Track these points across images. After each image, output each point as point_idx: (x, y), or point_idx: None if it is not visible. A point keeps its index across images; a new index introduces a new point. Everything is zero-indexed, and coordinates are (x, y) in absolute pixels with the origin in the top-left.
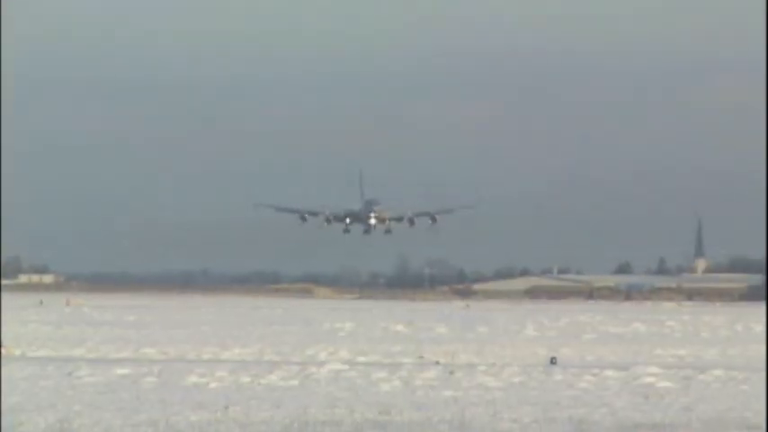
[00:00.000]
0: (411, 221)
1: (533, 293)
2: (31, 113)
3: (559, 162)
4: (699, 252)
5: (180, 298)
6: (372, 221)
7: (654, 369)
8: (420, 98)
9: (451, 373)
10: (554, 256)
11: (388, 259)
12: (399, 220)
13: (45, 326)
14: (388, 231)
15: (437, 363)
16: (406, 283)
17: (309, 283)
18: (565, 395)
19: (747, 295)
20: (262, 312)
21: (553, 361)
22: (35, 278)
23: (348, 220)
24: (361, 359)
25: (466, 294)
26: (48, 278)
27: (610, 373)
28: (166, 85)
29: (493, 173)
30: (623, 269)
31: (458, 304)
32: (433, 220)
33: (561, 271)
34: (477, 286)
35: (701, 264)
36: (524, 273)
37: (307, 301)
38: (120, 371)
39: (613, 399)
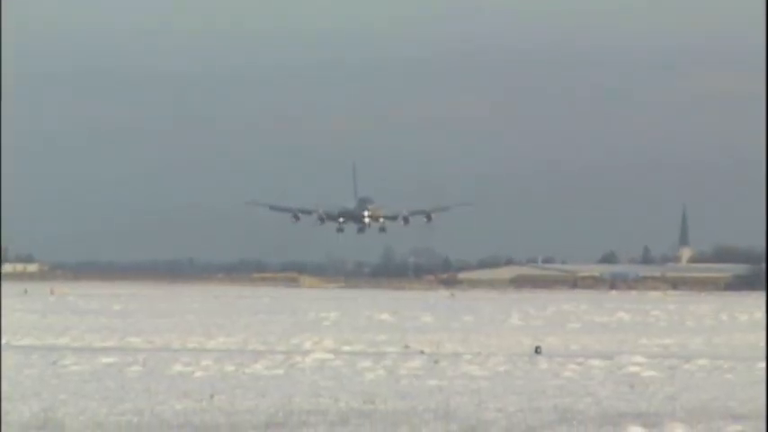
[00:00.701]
0: (406, 220)
1: (518, 283)
2: (17, 104)
3: (544, 152)
4: (683, 241)
5: (165, 287)
6: (366, 220)
7: (639, 358)
8: (407, 91)
9: (436, 362)
10: (539, 246)
11: (374, 248)
12: (394, 218)
13: (30, 314)
14: (382, 230)
15: (422, 352)
16: (391, 272)
17: (295, 272)
18: (550, 384)
19: (732, 285)
20: (247, 301)
21: (538, 350)
22: (20, 267)
23: (342, 219)
24: (346, 348)
25: (451, 283)
26: (32, 267)
27: (595, 362)
28: (153, 77)
29: (478, 163)
30: (608, 258)
31: (443, 293)
32: (429, 218)
33: (546, 260)
34: (462, 275)
35: (685, 253)
36: (509, 262)
37: (292, 290)
38: (106, 360)
39: (598, 388)
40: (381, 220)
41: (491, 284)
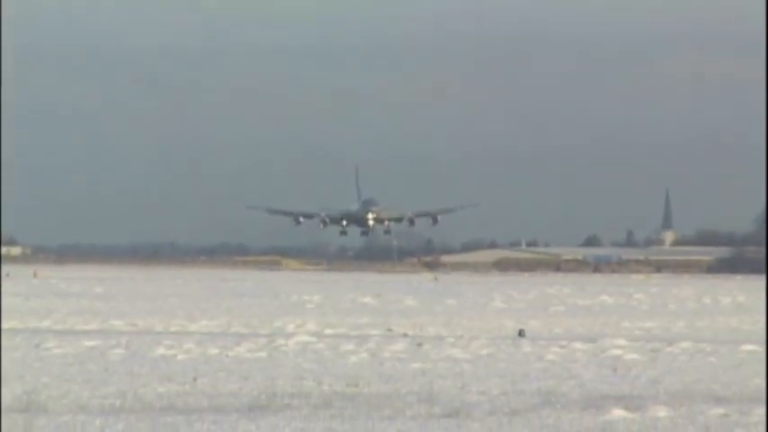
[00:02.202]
0: (411, 221)
1: (501, 266)
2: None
3: (527, 135)
4: (667, 225)
5: (148, 270)
6: (370, 222)
7: (621, 341)
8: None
9: (419, 345)
10: (522, 229)
11: (357, 231)
12: (399, 220)
13: (12, 297)
14: (387, 232)
15: (405, 335)
16: (374, 255)
17: (277, 255)
18: (533, 367)
19: (715, 268)
20: (230, 284)
21: (521, 333)
22: (2, 250)
23: (345, 222)
24: (329, 331)
25: (434, 267)
26: (15, 250)
27: (578, 345)
28: (139, 55)
29: (461, 145)
30: (591, 242)
31: (426, 276)
32: (435, 220)
33: (529, 244)
34: (445, 258)
35: (668, 236)
36: (492, 245)
37: (275, 273)
38: (88, 343)
39: (581, 371)
40: (386, 222)
41: (474, 268)
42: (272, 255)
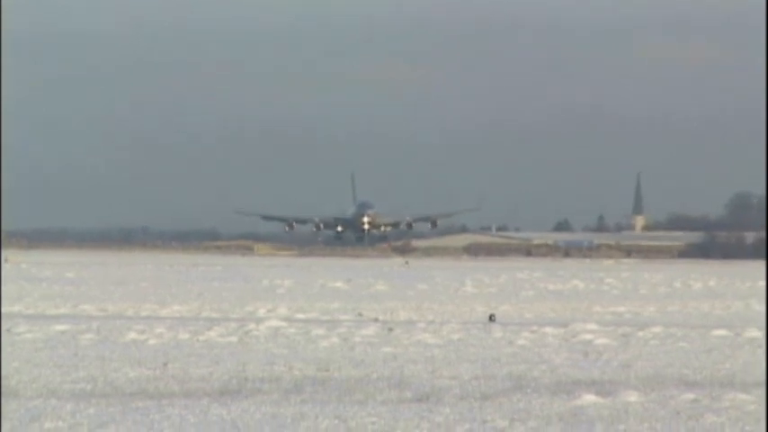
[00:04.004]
0: (409, 226)
1: (472, 250)
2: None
3: (496, 119)
4: (637, 210)
5: (119, 255)
6: (366, 227)
7: (592, 326)
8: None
9: (390, 330)
10: (493, 214)
11: (327, 210)
12: (396, 225)
13: None
14: (383, 238)
15: (376, 320)
16: (345, 239)
17: (249, 240)
18: (504, 352)
19: (686, 253)
20: (201, 269)
21: (492, 318)
22: None
23: (339, 228)
24: (300, 316)
25: (405, 251)
26: None
27: (548, 330)
28: (112, 36)
29: (431, 130)
30: (562, 227)
31: (397, 261)
32: (434, 224)
33: (500, 228)
34: (416, 243)
35: (639, 221)
36: (463, 230)
37: (246, 258)
38: (59, 327)
39: (552, 355)
40: (383, 228)
41: (445, 252)
42: (244, 240)
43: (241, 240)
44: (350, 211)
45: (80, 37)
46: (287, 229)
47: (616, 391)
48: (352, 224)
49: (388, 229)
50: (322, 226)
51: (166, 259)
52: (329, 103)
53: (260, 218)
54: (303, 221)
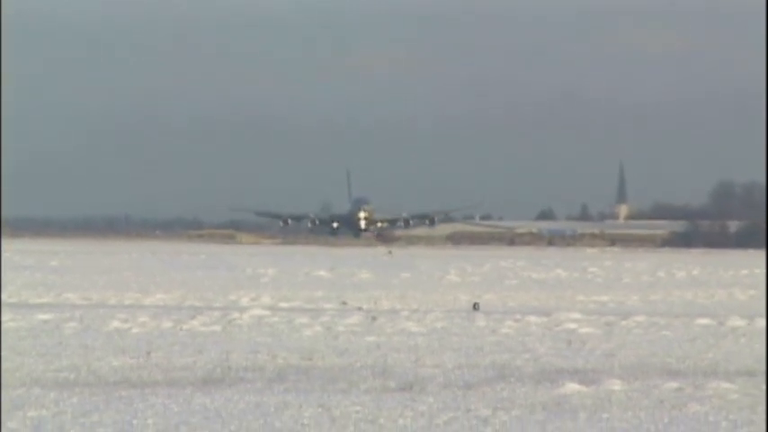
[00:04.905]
0: (407, 223)
1: (456, 239)
2: None
3: (480, 107)
4: (621, 198)
5: (102, 243)
6: (362, 223)
7: (576, 315)
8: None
9: (374, 318)
10: (476, 203)
11: (310, 206)
12: (393, 222)
13: None
14: (380, 234)
15: (360, 308)
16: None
17: (232, 229)
18: (487, 341)
19: (669, 241)
20: (184, 258)
21: (476, 307)
22: None
23: (335, 224)
24: (284, 305)
25: (389, 240)
26: None
27: (532, 318)
28: (95, 23)
29: (418, 118)
30: (546, 215)
31: (381, 250)
32: (432, 222)
33: (483, 217)
34: (399, 232)
35: (623, 210)
36: (447, 219)
37: (230, 246)
38: (42, 316)
39: (536, 344)
40: (379, 224)
41: (429, 241)
42: (228, 229)
43: (225, 229)
44: (345, 210)
45: (60, 21)
46: (281, 224)
47: (599, 380)
48: (348, 220)
49: (385, 225)
50: (317, 222)
51: (150, 248)
52: (322, 93)
53: (253, 214)
54: (298, 218)
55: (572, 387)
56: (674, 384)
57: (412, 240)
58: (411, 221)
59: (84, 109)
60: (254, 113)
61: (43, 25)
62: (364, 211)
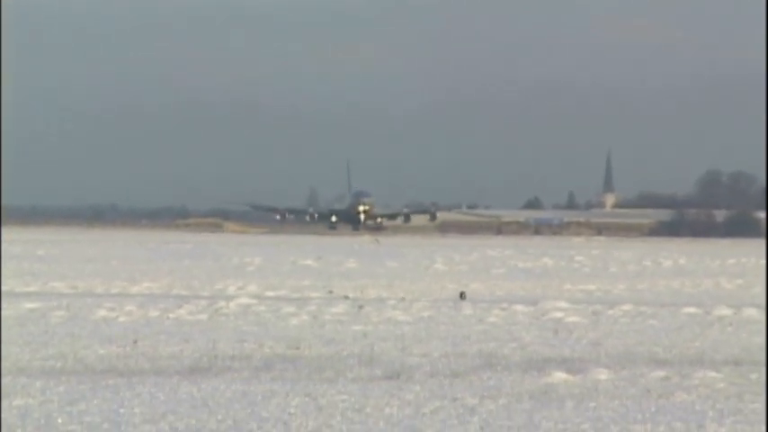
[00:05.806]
0: (407, 217)
1: (442, 228)
2: None
3: (466, 96)
4: (608, 187)
5: (89, 232)
6: (361, 216)
7: (563, 304)
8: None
9: (361, 307)
10: (463, 192)
11: (298, 195)
12: (393, 217)
13: None
14: (379, 228)
15: (346, 297)
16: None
17: (219, 218)
18: (474, 330)
19: (656, 231)
20: (171, 247)
21: (462, 296)
22: None
23: (334, 218)
24: (270, 293)
25: (375, 229)
26: None
27: (519, 307)
28: (80, 13)
29: (403, 106)
30: (532, 204)
31: (367, 239)
32: (433, 217)
33: (470, 206)
34: (386, 221)
35: (609, 199)
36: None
37: (216, 235)
38: (29, 305)
39: (522, 333)
40: (379, 219)
41: (415, 230)
42: (214, 218)
43: (211, 218)
44: (345, 204)
45: (44, 7)
46: (278, 218)
47: (586, 369)
48: (348, 214)
49: (384, 219)
50: (316, 216)
51: (136, 236)
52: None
53: (249, 207)
54: (296, 212)
55: (559, 376)
56: (660, 373)
57: (398, 229)
58: (411, 217)
59: (70, 98)
60: (240, 100)
61: (26, 11)
62: (364, 204)
